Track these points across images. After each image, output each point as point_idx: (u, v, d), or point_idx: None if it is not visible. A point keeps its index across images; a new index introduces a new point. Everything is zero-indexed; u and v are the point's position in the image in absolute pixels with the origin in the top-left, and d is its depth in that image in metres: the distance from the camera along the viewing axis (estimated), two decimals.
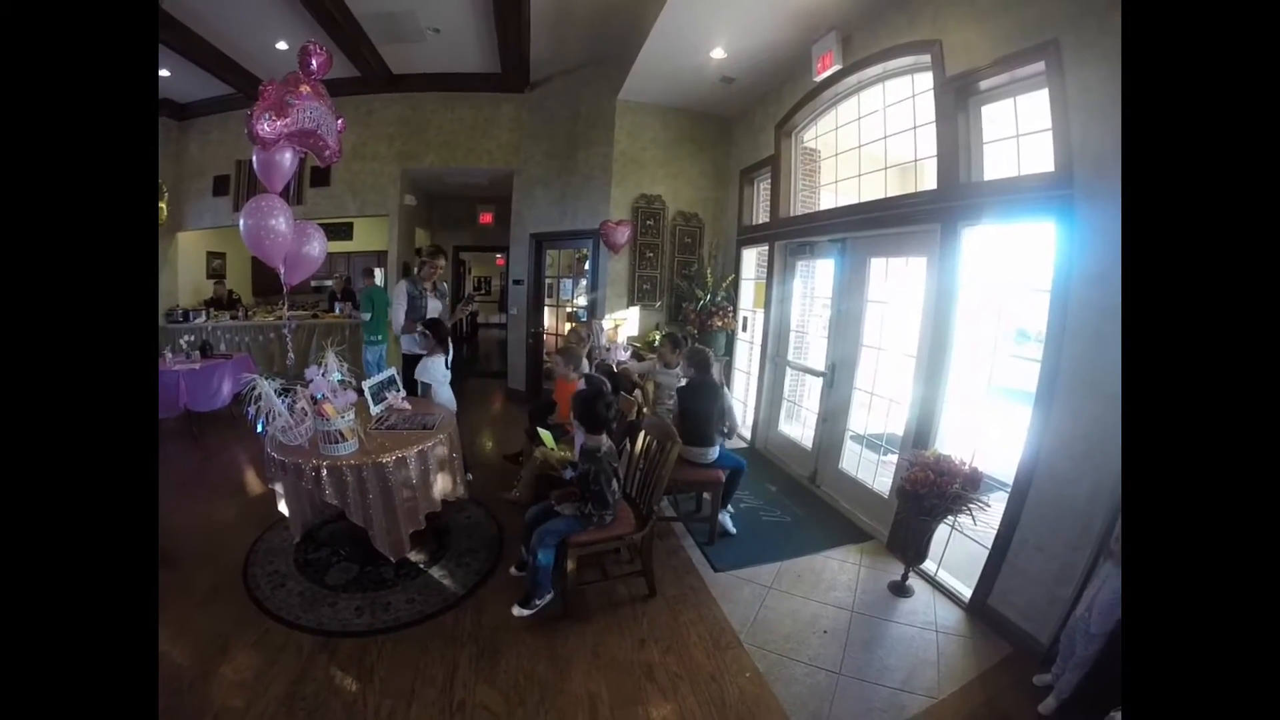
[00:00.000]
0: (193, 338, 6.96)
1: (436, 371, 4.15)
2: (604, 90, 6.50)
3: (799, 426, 5.37)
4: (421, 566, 3.40)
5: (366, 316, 6.93)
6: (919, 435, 3.55)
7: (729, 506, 3.99)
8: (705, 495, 4.06)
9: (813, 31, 4.38)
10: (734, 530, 3.91)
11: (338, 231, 9.69)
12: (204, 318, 8.29)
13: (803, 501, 4.51)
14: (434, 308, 5.02)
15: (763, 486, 4.68)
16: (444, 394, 4.17)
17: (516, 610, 2.86)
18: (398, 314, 4.76)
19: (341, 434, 3.05)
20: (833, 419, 4.64)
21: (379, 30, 6.04)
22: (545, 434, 3.46)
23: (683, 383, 4.18)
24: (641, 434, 3.46)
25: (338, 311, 8.85)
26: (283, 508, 3.48)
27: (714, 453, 3.85)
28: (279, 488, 3.41)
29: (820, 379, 4.80)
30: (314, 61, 3.39)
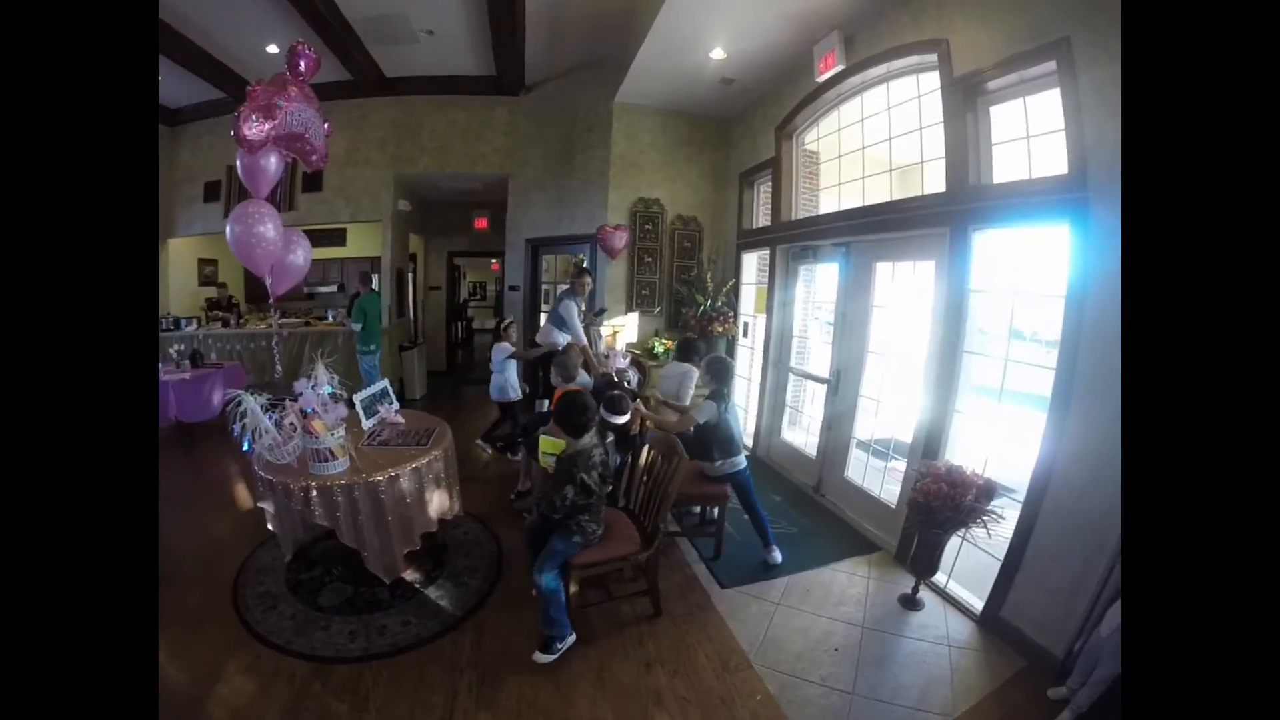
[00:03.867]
0: (183, 347, 6.85)
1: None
2: (601, 93, 6.47)
3: (802, 434, 5.31)
4: (417, 586, 3.31)
5: (357, 327, 6.86)
6: (928, 443, 3.49)
7: (773, 542, 3.75)
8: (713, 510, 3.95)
9: (814, 31, 4.33)
10: (780, 560, 3.68)
11: (330, 238, 9.57)
12: (194, 326, 8.17)
13: (808, 511, 4.44)
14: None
15: (767, 496, 4.59)
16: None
17: (538, 657, 2.71)
18: (576, 330, 5.21)
19: (331, 452, 2.96)
20: (837, 426, 4.58)
21: (371, 32, 6.00)
22: (546, 440, 3.23)
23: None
24: (646, 448, 3.39)
25: (331, 319, 8.78)
26: (272, 525, 3.39)
27: (742, 461, 3.74)
28: (268, 506, 3.31)
29: (824, 385, 4.74)
30: (302, 63, 3.30)
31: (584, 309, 5.57)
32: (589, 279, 5.56)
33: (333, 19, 5.52)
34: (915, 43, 3.67)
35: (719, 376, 3.78)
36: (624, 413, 3.42)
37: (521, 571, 3.33)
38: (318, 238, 9.46)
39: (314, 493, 2.87)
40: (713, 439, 3.65)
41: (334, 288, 10.06)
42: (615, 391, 3.61)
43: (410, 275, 9.78)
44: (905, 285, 4.07)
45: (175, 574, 3.42)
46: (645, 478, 3.30)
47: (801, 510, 4.45)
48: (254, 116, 2.95)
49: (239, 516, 4.26)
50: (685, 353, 4.61)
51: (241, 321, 8.60)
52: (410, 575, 3.35)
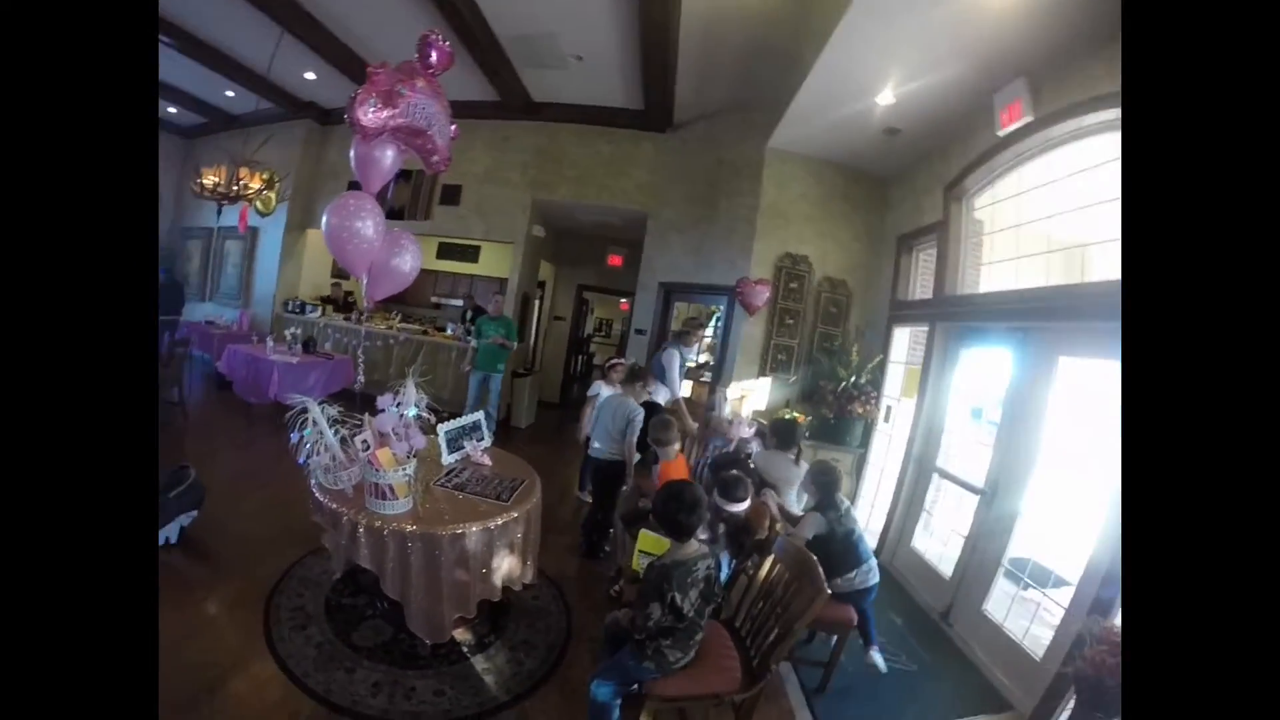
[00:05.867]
0: (298, 330, 7.49)
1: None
2: (751, 137, 6.36)
3: (937, 544, 4.68)
4: (465, 650, 3.05)
5: (515, 345, 7.19)
6: (1101, 595, 2.87)
7: (875, 641, 3.41)
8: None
9: (994, 76, 3.97)
10: (885, 669, 3.36)
11: (464, 253, 10.22)
12: (319, 313, 8.90)
13: (931, 644, 3.86)
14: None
15: (886, 615, 4.06)
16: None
17: None
18: (675, 385, 5.36)
19: (393, 489, 2.75)
20: (984, 546, 3.96)
21: (520, 53, 6.24)
22: (647, 536, 2.80)
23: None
24: (770, 559, 2.84)
25: (450, 331, 9.13)
26: (326, 542, 3.20)
27: (875, 571, 3.31)
28: (321, 521, 3.19)
29: (976, 495, 4.17)
30: (433, 53, 3.15)
31: (687, 362, 5.50)
32: (704, 332, 5.38)
33: (482, 35, 5.79)
34: (1114, 93, 3.23)
35: (825, 489, 3.37)
36: (741, 500, 3.06)
37: (588, 662, 3.02)
38: (451, 251, 10.29)
39: (362, 531, 2.70)
40: (828, 551, 3.10)
41: (460, 302, 10.49)
42: (733, 471, 3.23)
43: (537, 302, 10.07)
44: (1099, 386, 3.48)
45: (224, 554, 3.59)
46: (762, 603, 2.72)
47: (923, 641, 3.88)
48: (372, 100, 2.85)
49: (303, 513, 4.24)
50: (784, 439, 4.12)
51: (364, 318, 9.15)
52: (460, 634, 3.12)
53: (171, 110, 9.95)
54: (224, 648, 2.77)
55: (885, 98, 4.55)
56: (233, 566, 3.45)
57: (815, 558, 2.55)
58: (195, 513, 3.83)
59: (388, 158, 3.21)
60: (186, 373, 6.73)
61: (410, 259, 3.44)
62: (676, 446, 3.98)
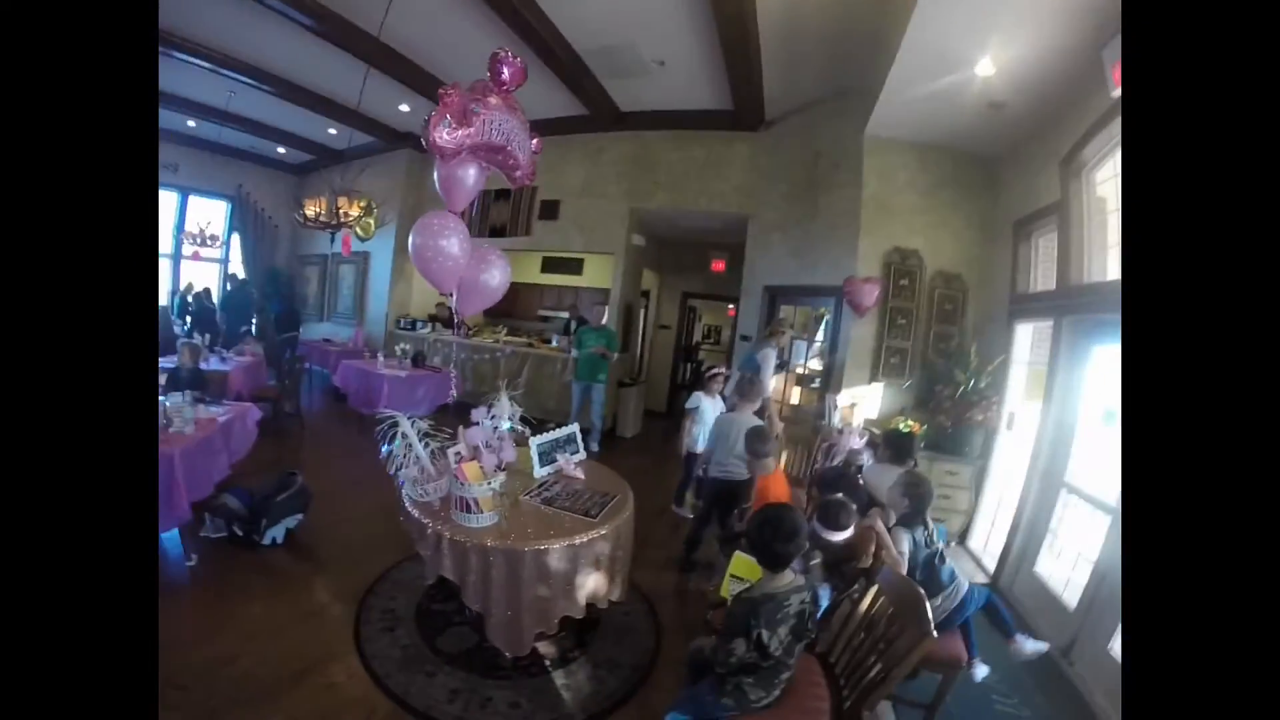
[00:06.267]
0: (408, 346, 8.01)
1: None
2: (847, 126, 6.03)
3: (1064, 569, 4.08)
4: (547, 664, 3.02)
5: (615, 355, 7.31)
6: None
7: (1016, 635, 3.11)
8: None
9: (1102, 31, 3.48)
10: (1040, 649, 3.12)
11: (568, 266, 10.59)
12: (429, 329, 9.52)
13: (1048, 686, 3.39)
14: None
15: (1001, 649, 3.62)
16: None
17: None
18: (767, 382, 5.42)
19: (478, 502, 2.80)
20: (1115, 576, 3.39)
21: (601, 65, 6.30)
22: (741, 560, 2.63)
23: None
24: (874, 591, 2.51)
25: (555, 343, 9.33)
26: (420, 548, 3.37)
27: (964, 585, 2.96)
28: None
29: (1108, 515, 3.64)
30: (505, 70, 3.16)
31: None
32: (790, 329, 5.43)
33: (562, 51, 5.87)
34: None
35: (918, 502, 3.01)
36: (844, 528, 2.77)
37: (673, 686, 2.82)
38: (555, 264, 10.64)
39: (445, 543, 2.76)
40: (909, 573, 2.80)
41: (565, 314, 10.82)
42: (837, 495, 2.93)
43: (641, 311, 10.10)
44: None
45: (327, 555, 3.87)
46: (863, 634, 2.43)
47: (1039, 682, 3.41)
48: (446, 121, 2.90)
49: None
50: (898, 452, 3.80)
51: (470, 333, 9.64)
52: (544, 647, 3.10)
53: (281, 151, 10.96)
54: (316, 641, 2.97)
55: (984, 68, 4.16)
56: (333, 567, 3.71)
57: (923, 592, 2.26)
58: (301, 516, 4.15)
59: (470, 176, 3.28)
60: (305, 387, 7.25)
61: (498, 274, 3.51)
62: (774, 461, 3.74)
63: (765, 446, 3.62)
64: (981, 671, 2.97)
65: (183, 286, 10.43)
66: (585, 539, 2.88)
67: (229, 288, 10.93)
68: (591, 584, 3.00)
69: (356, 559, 3.83)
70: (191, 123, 9.47)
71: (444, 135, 2.90)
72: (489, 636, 2.83)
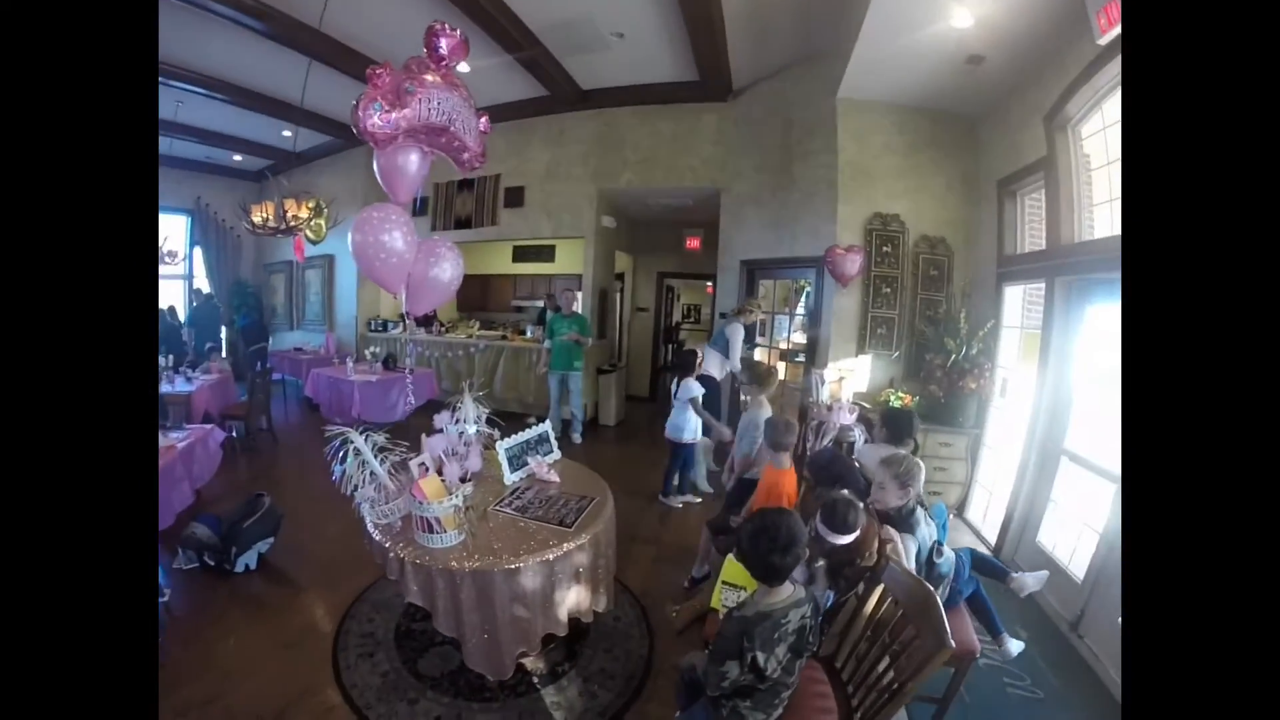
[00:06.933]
0: (379, 349, 7.88)
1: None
2: (821, 90, 5.82)
3: (1070, 539, 3.99)
4: (535, 681, 2.87)
5: (590, 341, 7.22)
6: None
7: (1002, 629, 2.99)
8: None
9: None
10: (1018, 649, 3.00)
11: (540, 254, 10.43)
12: (400, 329, 9.30)
13: (1059, 661, 3.32)
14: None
15: (1009, 627, 3.52)
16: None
17: None
18: (735, 359, 5.70)
19: (439, 521, 2.57)
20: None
21: (559, 42, 6.06)
22: (731, 566, 2.46)
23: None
24: (879, 589, 2.31)
25: (529, 334, 9.21)
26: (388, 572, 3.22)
27: (950, 558, 2.79)
28: None
29: (1112, 484, 3.52)
30: (442, 42, 2.90)
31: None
32: (759, 305, 5.62)
33: (514, 30, 5.63)
34: None
35: (904, 478, 2.80)
36: (851, 529, 2.41)
37: (670, 696, 2.67)
38: (526, 253, 10.48)
39: (408, 567, 2.55)
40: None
41: (541, 303, 10.58)
42: (843, 492, 2.60)
43: (618, 295, 9.92)
44: None
45: (302, 576, 3.80)
46: (869, 633, 2.25)
47: (1050, 657, 3.33)
48: (376, 104, 2.68)
49: None
50: (897, 430, 3.58)
51: (443, 330, 9.51)
52: (531, 663, 2.93)
53: (237, 158, 10.58)
54: (294, 674, 2.87)
55: (962, 19, 3.97)
56: (310, 591, 3.63)
57: (937, 597, 2.06)
58: (272, 539, 4.05)
59: (412, 163, 3.04)
60: (279, 400, 7.05)
61: (450, 268, 3.23)
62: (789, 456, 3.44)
63: (787, 438, 3.39)
64: (1016, 647, 2.90)
65: None
66: (561, 552, 2.67)
67: (194, 304, 10.66)
68: (573, 598, 2.81)
69: (332, 579, 3.72)
70: None
71: (375, 120, 2.69)
72: (468, 662, 2.67)
